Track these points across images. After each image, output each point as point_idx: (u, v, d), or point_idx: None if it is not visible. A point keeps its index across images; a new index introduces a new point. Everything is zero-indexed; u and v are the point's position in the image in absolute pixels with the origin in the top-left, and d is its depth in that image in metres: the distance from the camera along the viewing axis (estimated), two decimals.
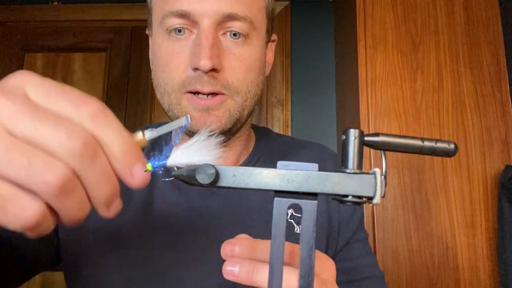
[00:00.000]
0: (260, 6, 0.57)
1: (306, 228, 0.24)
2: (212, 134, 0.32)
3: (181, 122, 0.30)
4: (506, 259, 1.18)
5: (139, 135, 0.30)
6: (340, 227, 0.64)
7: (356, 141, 0.24)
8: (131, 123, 1.92)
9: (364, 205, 0.24)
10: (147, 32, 0.63)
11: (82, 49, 1.99)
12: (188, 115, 0.32)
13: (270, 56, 0.64)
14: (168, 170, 0.31)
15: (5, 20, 2.01)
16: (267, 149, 0.67)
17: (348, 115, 1.58)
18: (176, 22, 0.53)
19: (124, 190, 0.58)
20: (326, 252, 0.61)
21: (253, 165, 0.64)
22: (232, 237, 0.56)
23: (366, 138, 0.24)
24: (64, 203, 0.25)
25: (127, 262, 0.56)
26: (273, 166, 0.72)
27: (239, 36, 0.53)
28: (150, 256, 0.56)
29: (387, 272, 1.24)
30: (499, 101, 1.33)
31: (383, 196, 0.23)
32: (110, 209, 0.28)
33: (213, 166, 0.26)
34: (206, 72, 0.51)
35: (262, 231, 0.58)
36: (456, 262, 1.24)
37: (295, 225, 0.59)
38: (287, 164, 0.25)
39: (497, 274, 1.22)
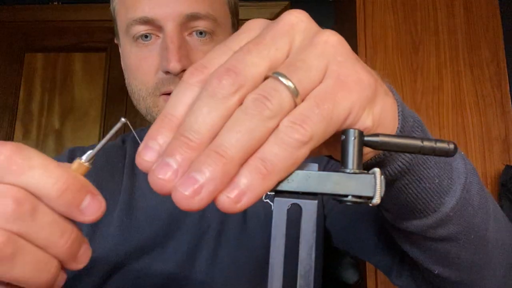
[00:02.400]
0: (221, 2, 0.58)
1: (306, 228, 0.24)
2: None
3: (118, 126, 0.28)
4: None
5: (75, 163, 0.26)
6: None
7: (356, 141, 0.24)
8: (131, 123, 1.91)
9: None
10: (115, 41, 0.64)
11: (82, 49, 1.99)
12: (122, 118, 0.28)
13: None
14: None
15: (5, 20, 2.01)
16: None
17: None
18: (141, 29, 0.54)
19: (109, 194, 0.55)
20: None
21: None
22: (215, 229, 0.56)
23: (365, 138, 0.24)
24: (15, 270, 0.22)
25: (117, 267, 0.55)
26: None
27: (205, 35, 0.54)
28: (139, 259, 0.55)
29: None
30: (499, 101, 1.33)
31: (383, 196, 0.24)
32: (78, 260, 0.25)
33: None
34: (177, 74, 0.52)
35: (242, 220, 0.58)
36: None
37: (272, 203, 0.59)
38: None
39: None
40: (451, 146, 0.24)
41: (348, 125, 0.24)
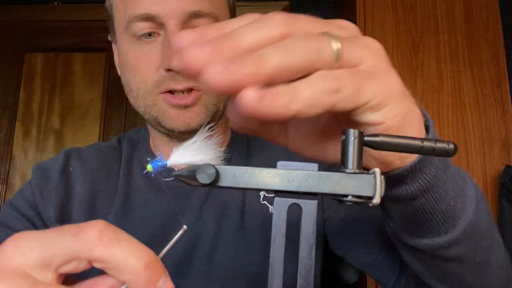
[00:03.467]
0: (222, 0, 0.57)
1: (306, 228, 0.24)
2: (213, 134, 0.32)
3: (180, 233, 0.29)
4: None
5: None
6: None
7: (356, 141, 0.24)
8: (131, 123, 1.92)
9: None
10: (109, 38, 0.63)
11: (82, 49, 1.99)
12: (184, 226, 0.31)
13: None
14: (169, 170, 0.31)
15: (5, 20, 2.01)
16: (243, 143, 0.67)
17: None
18: (143, 26, 0.52)
19: (105, 199, 0.56)
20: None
21: (229, 158, 0.64)
22: (212, 229, 0.56)
23: (365, 138, 0.24)
24: None
25: None
26: (248, 159, 0.66)
27: None
28: None
29: None
30: (499, 101, 1.33)
31: (382, 196, 0.24)
32: None
33: (213, 166, 0.26)
34: (179, 72, 0.51)
35: (239, 221, 0.58)
36: None
37: (269, 205, 0.60)
38: (287, 164, 0.25)
39: None
40: (451, 146, 0.24)
41: (369, 109, 0.25)
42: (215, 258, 0.56)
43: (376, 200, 0.23)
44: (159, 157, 0.32)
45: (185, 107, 0.53)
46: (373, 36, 1.23)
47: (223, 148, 0.30)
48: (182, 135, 0.56)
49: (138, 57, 0.54)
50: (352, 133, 0.24)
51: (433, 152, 0.24)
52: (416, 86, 1.34)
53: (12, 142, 1.92)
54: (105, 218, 0.57)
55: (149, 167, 0.30)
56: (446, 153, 0.24)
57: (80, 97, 1.96)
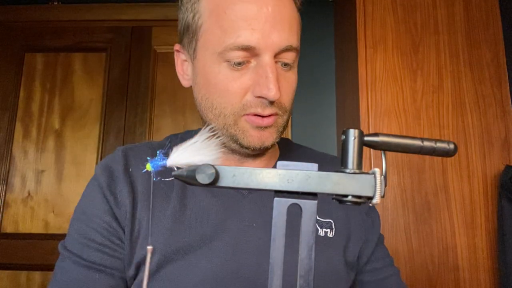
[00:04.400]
0: (299, 32, 0.63)
1: (306, 228, 0.24)
2: (213, 135, 0.32)
3: (148, 256, 0.32)
4: (506, 259, 1.18)
5: None
6: (367, 233, 0.69)
7: (356, 141, 0.24)
8: (131, 123, 1.92)
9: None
10: (177, 48, 0.66)
11: (82, 49, 1.99)
12: (149, 247, 0.34)
13: None
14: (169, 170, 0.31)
15: (5, 20, 2.01)
16: (290, 159, 0.72)
17: (348, 115, 1.58)
18: (239, 55, 0.56)
19: (162, 197, 0.61)
20: (343, 257, 0.66)
21: None
22: (260, 237, 0.60)
23: (366, 138, 0.24)
24: None
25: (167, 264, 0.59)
26: None
27: (288, 65, 0.59)
28: (184, 257, 0.59)
29: None
30: (499, 101, 1.33)
31: (382, 196, 0.23)
32: None
33: (213, 166, 0.26)
34: (273, 101, 0.56)
35: (288, 232, 0.60)
36: (456, 262, 1.24)
37: (318, 228, 0.64)
38: (287, 164, 0.25)
39: (497, 274, 1.22)
40: (451, 146, 0.24)
41: None
42: (258, 267, 0.58)
43: (376, 200, 0.23)
44: (159, 157, 0.32)
45: (265, 127, 0.59)
46: (373, 36, 1.23)
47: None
48: (254, 152, 0.62)
49: (229, 81, 0.57)
50: (352, 133, 0.24)
51: (433, 152, 0.24)
52: (416, 86, 1.34)
53: (12, 142, 1.92)
54: (162, 215, 0.61)
55: (149, 166, 0.30)
56: (446, 153, 0.24)
57: (80, 97, 1.96)
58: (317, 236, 0.62)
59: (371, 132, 1.15)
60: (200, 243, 0.59)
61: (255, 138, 0.59)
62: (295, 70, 0.61)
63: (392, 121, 1.32)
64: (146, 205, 0.61)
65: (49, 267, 1.71)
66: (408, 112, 1.33)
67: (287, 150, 0.75)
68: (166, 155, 0.34)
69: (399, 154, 1.30)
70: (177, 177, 0.28)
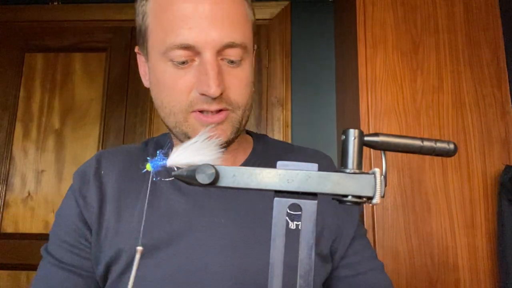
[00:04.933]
0: (249, 28, 0.62)
1: (306, 228, 0.24)
2: (213, 135, 0.32)
3: (137, 256, 0.33)
4: (506, 259, 1.18)
5: None
6: (341, 225, 0.68)
7: (356, 141, 0.24)
8: (131, 123, 1.92)
9: (364, 205, 0.24)
10: (136, 50, 0.68)
11: (82, 49, 1.99)
12: (139, 248, 0.35)
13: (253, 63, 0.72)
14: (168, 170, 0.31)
15: (5, 20, 2.01)
16: (265, 153, 0.73)
17: (348, 115, 1.58)
18: (180, 54, 0.57)
19: (131, 197, 0.63)
20: (317, 249, 0.65)
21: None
22: (228, 233, 0.60)
23: (366, 138, 0.24)
24: None
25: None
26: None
27: (235, 63, 0.60)
28: (152, 253, 0.60)
29: (387, 272, 1.24)
30: (499, 101, 1.33)
31: (382, 196, 0.23)
32: None
33: (213, 166, 0.26)
34: (215, 98, 0.57)
35: (258, 228, 0.62)
36: (456, 262, 1.24)
37: (290, 221, 0.64)
38: (287, 164, 0.25)
39: (497, 274, 1.22)
40: (451, 146, 0.24)
41: None
42: (226, 258, 0.59)
43: (376, 200, 0.23)
44: (159, 157, 0.32)
45: (214, 124, 0.59)
46: (373, 36, 1.23)
47: (223, 150, 0.31)
48: None
49: (174, 80, 0.59)
50: (352, 133, 0.24)
51: (433, 152, 0.24)
52: (416, 86, 1.34)
53: (12, 142, 1.92)
54: (130, 213, 0.63)
55: (148, 166, 0.30)
56: (446, 153, 0.24)
57: (80, 97, 1.96)
58: (287, 229, 0.63)
59: (371, 132, 1.15)
60: (168, 240, 0.60)
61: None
62: (245, 66, 0.61)
63: (392, 121, 1.32)
64: (116, 206, 0.63)
65: None
66: (408, 112, 1.33)
67: (262, 144, 0.74)
68: (166, 155, 0.34)
69: (399, 154, 1.30)
70: (177, 177, 0.28)
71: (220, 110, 0.59)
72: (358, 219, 0.71)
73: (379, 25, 1.38)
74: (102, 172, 0.67)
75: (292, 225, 0.64)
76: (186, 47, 0.56)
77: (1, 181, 1.88)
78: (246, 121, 0.65)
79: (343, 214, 0.68)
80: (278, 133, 1.86)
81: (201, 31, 0.56)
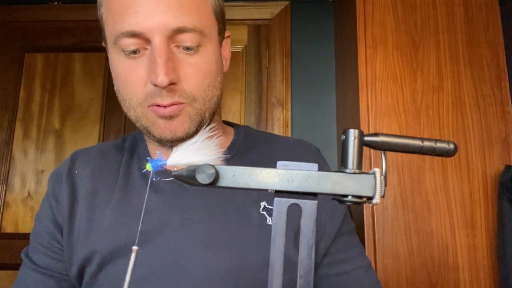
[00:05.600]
0: (208, 12, 0.58)
1: (306, 228, 0.24)
2: (213, 135, 0.32)
3: (133, 256, 0.34)
4: (506, 259, 1.18)
5: None
6: (324, 221, 0.64)
7: (356, 141, 0.24)
8: (131, 123, 1.91)
9: (364, 205, 0.24)
10: (103, 44, 0.65)
11: (82, 49, 1.99)
12: (135, 247, 0.35)
13: (227, 52, 0.67)
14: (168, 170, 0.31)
15: (5, 20, 2.01)
16: (244, 144, 0.69)
17: (348, 115, 1.58)
18: (129, 42, 0.54)
19: (104, 196, 0.59)
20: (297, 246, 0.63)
21: (228, 160, 0.66)
22: (203, 230, 0.59)
23: (366, 138, 0.24)
24: None
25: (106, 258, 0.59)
26: (249, 160, 0.73)
27: (191, 49, 0.56)
28: (125, 255, 0.58)
29: (387, 272, 1.24)
30: (499, 101, 1.33)
31: (382, 196, 0.23)
32: None
33: (213, 166, 0.26)
34: (164, 87, 0.53)
35: (233, 223, 0.59)
36: (456, 262, 1.24)
37: (268, 216, 0.61)
38: (287, 164, 0.25)
39: (497, 274, 1.22)
40: (451, 146, 0.24)
41: None
42: (203, 257, 0.57)
43: (376, 200, 0.23)
44: (158, 157, 0.32)
45: (170, 117, 0.56)
46: (373, 36, 1.23)
47: (223, 150, 0.31)
48: (171, 143, 0.59)
49: (128, 71, 0.56)
50: (352, 133, 0.24)
51: (433, 152, 0.24)
52: (416, 86, 1.34)
53: (12, 142, 1.92)
54: (103, 212, 0.61)
55: (148, 166, 0.30)
56: (446, 153, 0.24)
57: (80, 97, 1.96)
58: (266, 225, 0.60)
59: (371, 132, 1.15)
60: (142, 239, 0.58)
61: (164, 129, 0.57)
62: (204, 53, 0.57)
63: (392, 121, 1.32)
64: (88, 206, 0.62)
65: None
66: (408, 112, 1.33)
67: (242, 135, 0.70)
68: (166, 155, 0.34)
69: (399, 154, 1.30)
70: (177, 177, 0.28)
71: (172, 104, 0.56)
72: (343, 215, 0.67)
73: (379, 25, 1.38)
74: (76, 171, 0.65)
75: (269, 221, 0.61)
76: (133, 35, 0.53)
77: (1, 181, 1.88)
78: (212, 113, 0.61)
79: (327, 210, 0.64)
80: (278, 133, 1.86)
81: (146, 15, 0.52)
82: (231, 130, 0.73)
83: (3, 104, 1.94)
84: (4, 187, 1.88)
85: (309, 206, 0.23)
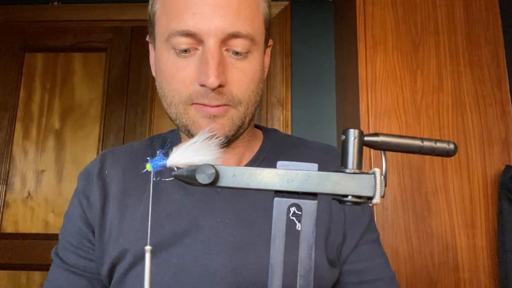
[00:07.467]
0: (260, 20, 0.59)
1: (306, 228, 0.24)
2: (213, 135, 0.32)
3: (147, 256, 0.34)
4: (506, 259, 1.18)
5: None
6: (347, 228, 0.65)
7: (356, 141, 0.24)
8: (131, 123, 1.92)
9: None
10: (147, 39, 0.66)
11: (82, 49, 1.99)
12: (147, 247, 0.35)
13: (267, 60, 0.68)
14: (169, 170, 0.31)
15: (5, 20, 2.01)
16: (273, 149, 0.70)
17: (348, 115, 1.58)
18: (182, 41, 0.55)
19: (135, 196, 0.61)
20: (325, 252, 0.62)
21: (258, 165, 0.66)
22: (233, 234, 0.59)
23: (365, 138, 0.24)
24: None
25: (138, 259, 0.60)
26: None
27: (241, 54, 0.57)
28: (155, 255, 0.59)
29: None
30: (499, 101, 1.33)
31: (382, 196, 0.23)
32: None
33: (213, 166, 0.26)
34: (213, 89, 0.54)
35: (263, 227, 0.60)
36: (456, 262, 1.24)
37: (297, 222, 0.62)
38: (287, 164, 0.25)
39: (497, 274, 1.22)
40: (451, 146, 0.24)
41: None
42: (231, 259, 0.58)
43: (376, 200, 0.23)
44: (159, 157, 0.32)
45: (214, 117, 0.57)
46: (373, 36, 1.23)
47: (223, 151, 0.31)
48: None
49: (176, 69, 0.57)
50: (352, 133, 0.24)
51: (433, 152, 0.24)
52: (416, 86, 1.34)
53: (12, 142, 1.92)
54: (134, 213, 0.62)
55: (148, 166, 0.30)
56: (446, 153, 0.24)
57: (80, 97, 1.96)
58: (294, 230, 0.60)
59: (371, 132, 1.15)
60: (172, 241, 0.59)
61: (204, 128, 0.57)
62: (252, 60, 0.58)
63: (392, 121, 1.32)
64: (119, 205, 0.63)
65: (49, 267, 1.70)
66: (408, 112, 1.33)
67: (271, 140, 0.71)
68: (166, 155, 0.34)
69: (399, 154, 1.30)
70: (177, 177, 0.28)
71: (218, 105, 0.57)
72: (368, 223, 0.67)
73: (379, 25, 1.38)
74: (106, 171, 0.66)
75: (299, 226, 0.62)
76: (188, 34, 0.54)
77: (1, 181, 1.88)
78: (251, 119, 0.62)
79: (350, 217, 0.65)
80: None
81: (204, 17, 0.53)
82: (260, 133, 0.73)
83: (3, 104, 1.94)
84: (4, 187, 1.88)
85: (309, 206, 0.23)
